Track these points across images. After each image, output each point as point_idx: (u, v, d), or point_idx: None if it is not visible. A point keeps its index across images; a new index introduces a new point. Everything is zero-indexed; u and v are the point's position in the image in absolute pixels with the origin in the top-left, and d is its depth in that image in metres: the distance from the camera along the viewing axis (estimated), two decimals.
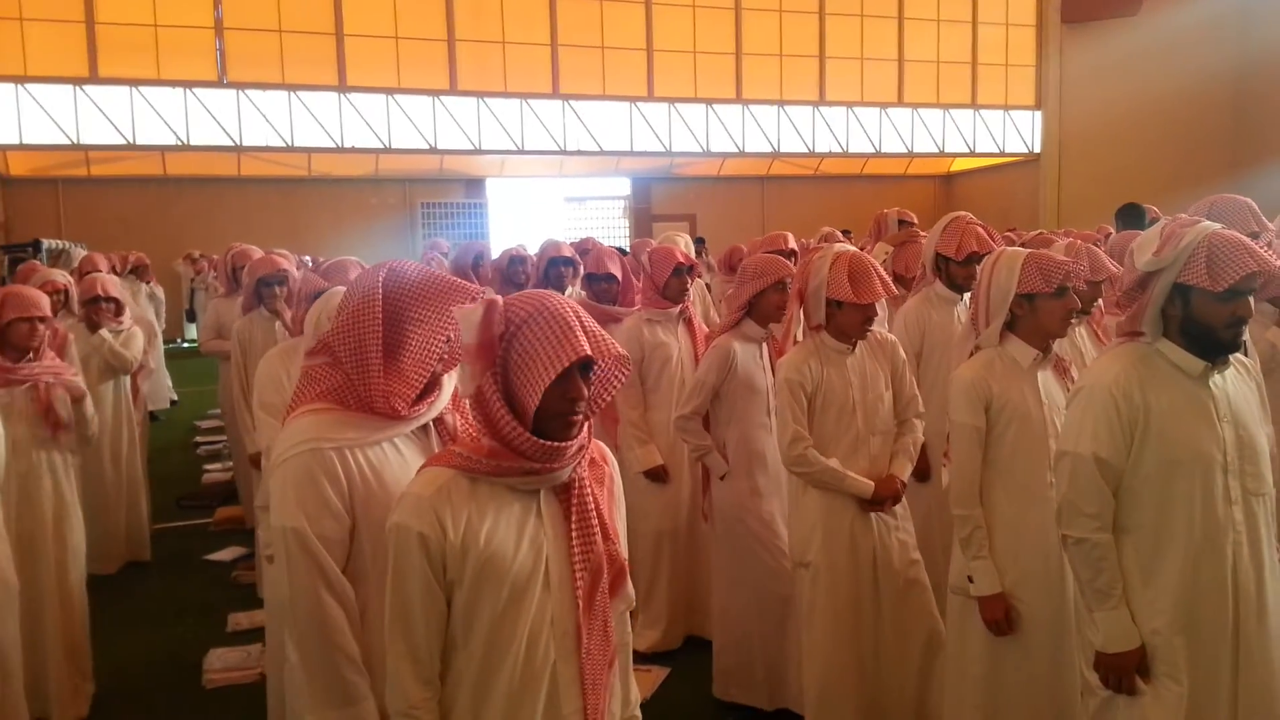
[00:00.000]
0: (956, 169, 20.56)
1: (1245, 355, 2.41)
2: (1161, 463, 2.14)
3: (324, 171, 17.28)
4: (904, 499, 3.13)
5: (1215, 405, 2.17)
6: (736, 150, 17.61)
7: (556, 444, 1.59)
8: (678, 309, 4.18)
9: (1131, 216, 5.65)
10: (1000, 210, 17.41)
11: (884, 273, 3.00)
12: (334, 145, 15.28)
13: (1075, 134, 17.40)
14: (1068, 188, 17.25)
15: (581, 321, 1.58)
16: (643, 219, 19.40)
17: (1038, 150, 18.11)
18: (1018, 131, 18.51)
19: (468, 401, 1.65)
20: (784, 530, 3.41)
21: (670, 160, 18.56)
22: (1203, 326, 2.11)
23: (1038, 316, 2.66)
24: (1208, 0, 16.74)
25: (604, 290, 4.56)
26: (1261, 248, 2.11)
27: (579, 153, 16.86)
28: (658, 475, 4.04)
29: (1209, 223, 2.14)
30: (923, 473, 3.59)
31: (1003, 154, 18.72)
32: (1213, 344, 2.12)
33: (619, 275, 4.56)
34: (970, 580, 2.64)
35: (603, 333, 1.61)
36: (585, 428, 1.68)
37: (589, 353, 1.55)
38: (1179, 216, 2.30)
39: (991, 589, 2.61)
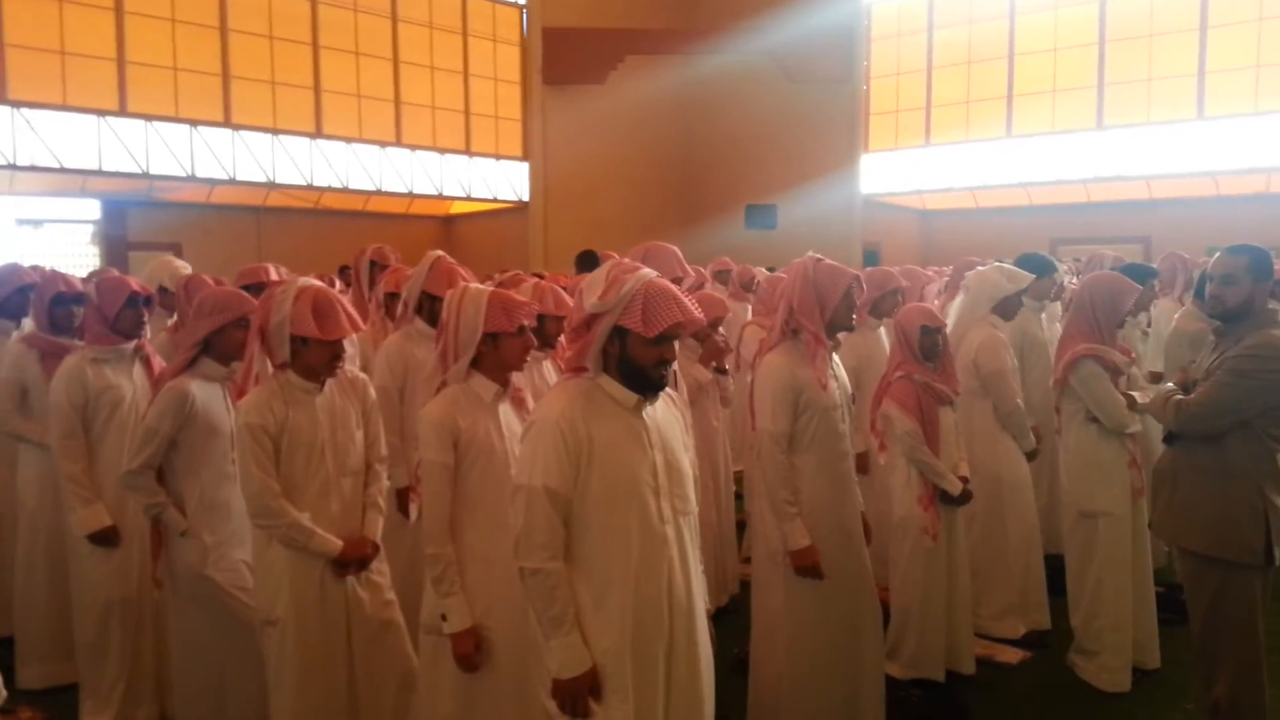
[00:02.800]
0: (456, 211, 21.23)
1: (674, 388, 2.75)
2: (605, 488, 2.29)
3: None
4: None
5: (647, 434, 2.37)
6: (227, 178, 16.45)
7: None
8: (132, 345, 3.75)
9: (588, 262, 6.31)
10: (496, 252, 18.33)
11: (350, 308, 2.95)
12: None
13: (559, 185, 18.88)
14: (553, 234, 18.63)
15: None
16: (117, 247, 17.22)
17: (526, 199, 19.34)
18: (508, 180, 19.68)
19: None
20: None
21: (150, 183, 16.77)
22: (636, 365, 2.31)
23: (500, 353, 2.79)
24: (660, 76, 19.14)
25: (67, 316, 3.98)
26: (684, 291, 2.42)
27: (33, 168, 14.56)
28: (107, 538, 3.57)
29: (648, 271, 2.35)
30: None
31: (496, 200, 19.74)
32: (644, 381, 2.33)
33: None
34: (444, 618, 2.65)
35: None
36: None
37: None
38: (622, 261, 2.55)
39: (463, 625, 2.64)
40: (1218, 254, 3.35)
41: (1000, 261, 5.35)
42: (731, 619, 4.75)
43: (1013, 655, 4.51)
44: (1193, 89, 16.15)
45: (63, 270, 4.30)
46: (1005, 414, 4.59)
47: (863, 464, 4.84)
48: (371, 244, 5.17)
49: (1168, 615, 4.41)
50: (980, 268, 5.07)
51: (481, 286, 2.92)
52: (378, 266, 4.96)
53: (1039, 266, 5.23)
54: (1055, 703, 4.10)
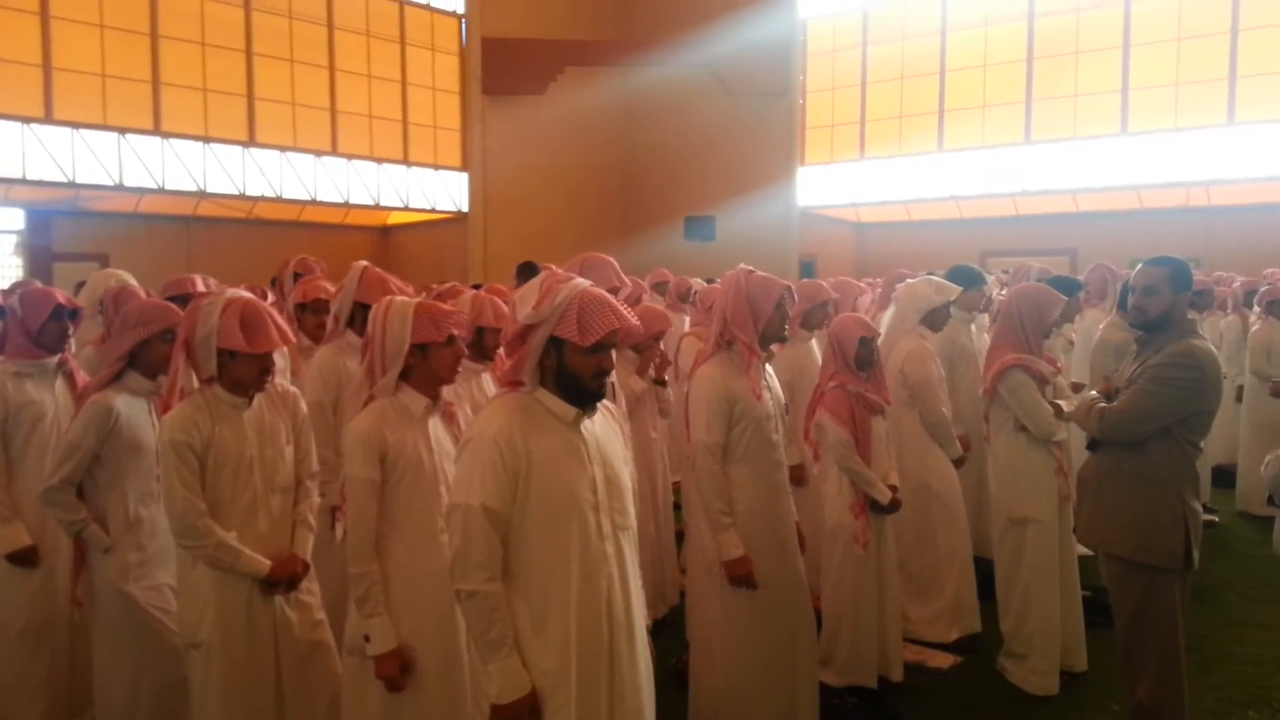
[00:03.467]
0: (394, 222, 20.99)
1: (612, 400, 2.73)
2: (543, 505, 2.24)
3: None
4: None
5: (586, 449, 2.33)
6: (156, 187, 16.05)
7: None
8: (55, 360, 3.63)
9: (528, 273, 6.28)
10: (435, 263, 18.16)
11: (280, 320, 2.89)
12: None
13: (499, 195, 18.79)
14: (493, 244, 18.53)
15: None
16: (42, 257, 16.68)
17: (465, 209, 19.21)
18: (447, 190, 19.53)
19: None
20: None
21: (76, 192, 16.29)
22: (573, 376, 2.28)
23: (430, 365, 2.74)
24: (600, 87, 19.21)
25: None
26: (622, 301, 2.41)
27: None
28: (26, 558, 3.44)
29: (581, 280, 2.32)
30: None
31: (435, 210, 19.57)
32: (582, 392, 2.30)
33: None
34: (367, 639, 2.59)
35: None
36: None
37: None
38: (556, 272, 2.53)
39: (387, 646, 2.58)
40: (1139, 266, 3.45)
41: (930, 273, 5.46)
42: (670, 630, 4.75)
43: (944, 660, 4.58)
44: (1117, 105, 16.67)
45: None
46: (931, 423, 4.68)
47: (798, 476, 4.89)
48: (297, 255, 5.08)
49: (1094, 619, 4.52)
50: (910, 280, 5.16)
51: (408, 298, 2.86)
52: (303, 279, 4.87)
53: (967, 279, 5.34)
54: (986, 707, 4.17)
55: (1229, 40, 15.54)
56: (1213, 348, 3.36)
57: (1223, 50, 15.59)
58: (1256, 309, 7.48)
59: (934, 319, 4.82)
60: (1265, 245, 14.70)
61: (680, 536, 5.07)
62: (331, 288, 4.24)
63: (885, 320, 5.04)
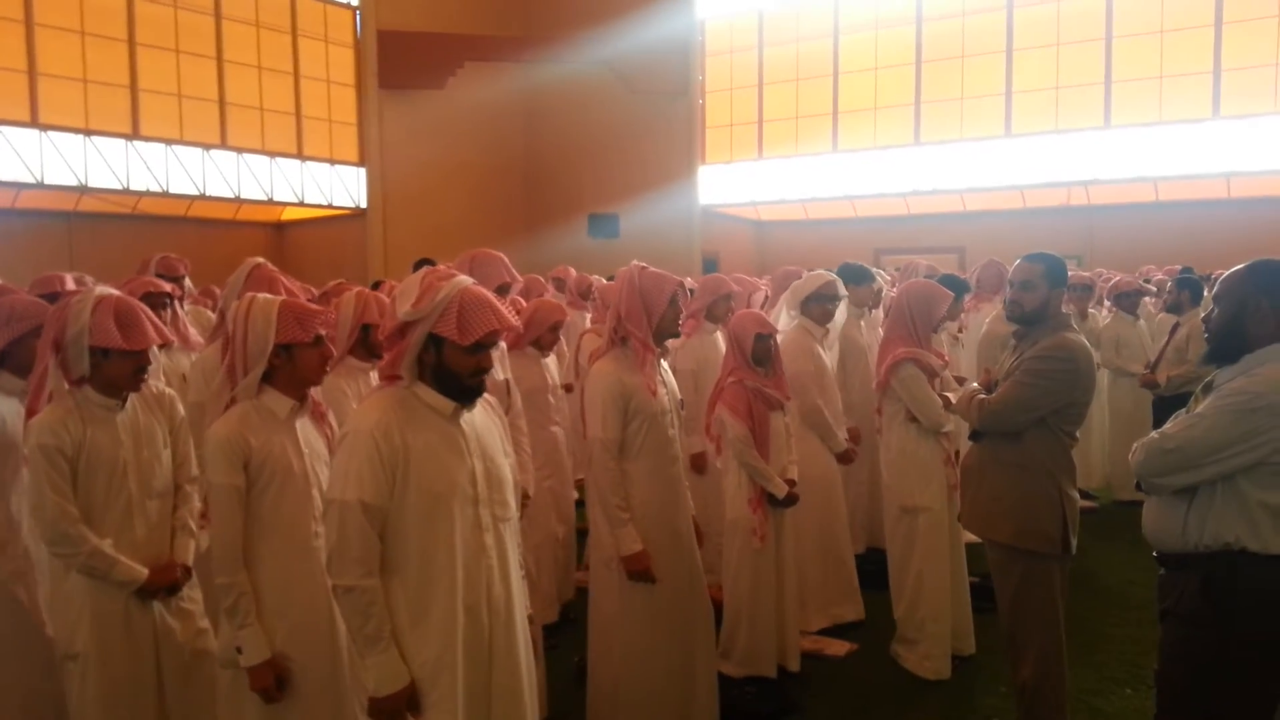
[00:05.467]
0: (288, 218, 20.42)
1: (507, 396, 2.71)
2: (423, 498, 2.24)
3: None
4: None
5: (466, 441, 2.34)
6: (35, 181, 15.26)
7: None
8: None
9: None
10: (332, 260, 17.71)
11: (154, 317, 2.78)
12: None
13: (398, 191, 18.45)
14: (393, 240, 18.18)
15: None
16: None
17: (364, 205, 18.81)
18: (344, 186, 19.08)
19: None
20: None
21: None
22: (452, 374, 2.28)
23: (295, 366, 2.65)
24: (500, 82, 19.03)
25: None
26: (510, 299, 2.39)
27: None
28: None
29: (464, 278, 2.31)
30: None
31: (332, 206, 19.10)
32: (460, 390, 2.31)
33: None
34: (239, 651, 2.52)
35: None
36: None
37: None
38: (440, 268, 2.50)
39: (260, 657, 2.51)
40: (1017, 262, 3.58)
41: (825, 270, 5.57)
42: (573, 627, 4.75)
43: (840, 648, 4.68)
44: (1001, 107, 17.31)
45: None
46: (804, 413, 4.75)
47: (699, 464, 4.94)
48: (158, 254, 4.91)
49: (981, 604, 4.68)
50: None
51: (270, 296, 2.74)
52: (166, 279, 4.70)
53: (856, 275, 5.47)
54: (881, 693, 4.28)
55: (1103, 46, 16.30)
56: (1085, 340, 3.51)
57: (1099, 56, 16.34)
58: (1106, 303, 7.81)
59: (813, 311, 4.87)
60: (1142, 243, 15.49)
61: (583, 534, 5.07)
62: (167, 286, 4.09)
63: (781, 317, 5.11)
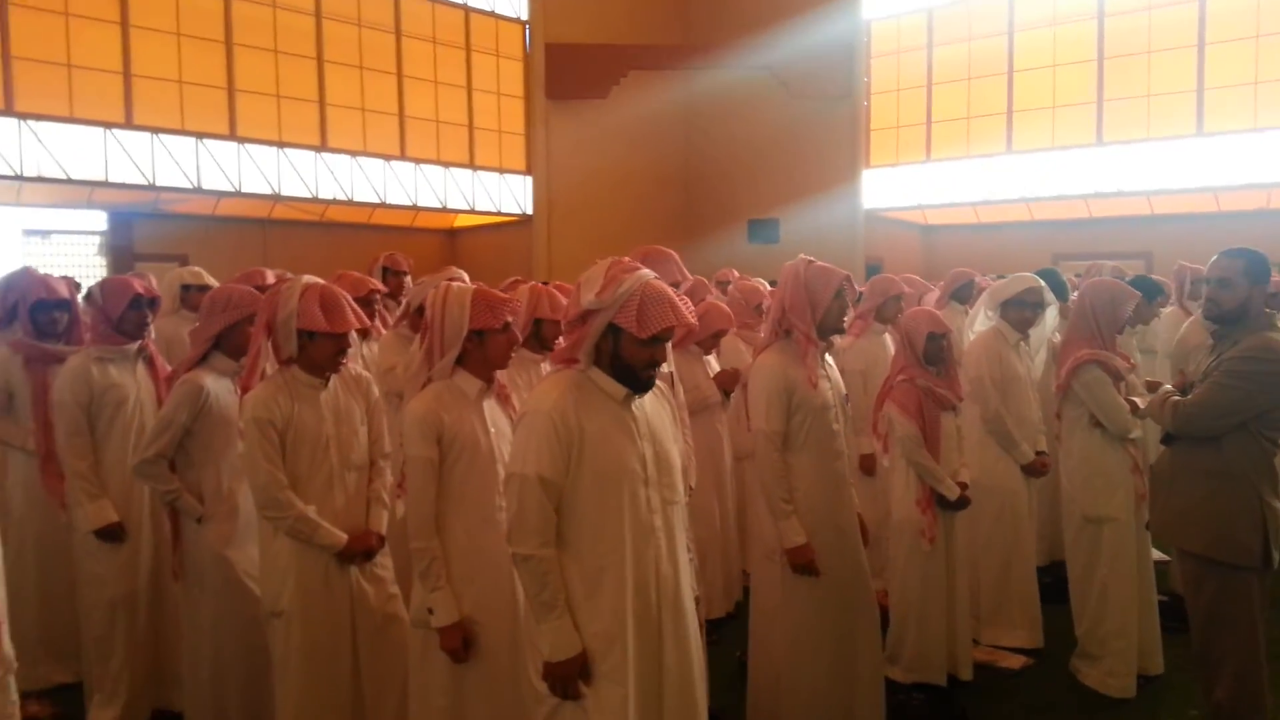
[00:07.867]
0: (460, 224, 21.29)
1: (672, 391, 2.77)
2: (595, 478, 2.33)
3: None
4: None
5: (636, 426, 2.41)
6: (233, 190, 16.53)
7: None
8: (135, 346, 3.77)
9: None
10: (501, 265, 18.31)
11: (354, 304, 2.99)
12: None
13: (563, 199, 18.95)
14: (557, 246, 18.69)
15: None
16: (124, 258, 17.25)
17: (530, 212, 19.41)
18: (512, 194, 19.75)
19: None
20: None
21: (156, 195, 16.83)
22: (626, 364, 2.36)
23: (485, 351, 2.80)
24: (662, 91, 19.25)
25: (51, 321, 3.99)
26: (680, 296, 2.45)
27: (40, 180, 14.62)
28: (113, 533, 3.59)
29: (646, 271, 2.38)
30: None
31: (500, 213, 19.81)
32: (633, 380, 2.38)
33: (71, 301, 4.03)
34: (431, 612, 2.67)
35: None
36: None
37: None
38: (622, 260, 2.57)
39: (450, 619, 2.66)
40: (1214, 258, 3.37)
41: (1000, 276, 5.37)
42: (735, 624, 4.75)
43: (1015, 661, 4.50)
44: (1192, 105, 16.21)
45: (59, 278, 4.27)
46: (985, 420, 4.57)
47: (868, 465, 4.86)
48: (385, 251, 5.37)
49: (1171, 624, 4.40)
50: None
51: (466, 285, 2.92)
52: (390, 272, 5.15)
53: (1059, 290, 5.21)
54: (1058, 709, 4.09)
55: None
56: None
57: None
58: None
59: (1011, 315, 4.65)
60: None
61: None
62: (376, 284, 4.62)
63: (977, 317, 4.92)
